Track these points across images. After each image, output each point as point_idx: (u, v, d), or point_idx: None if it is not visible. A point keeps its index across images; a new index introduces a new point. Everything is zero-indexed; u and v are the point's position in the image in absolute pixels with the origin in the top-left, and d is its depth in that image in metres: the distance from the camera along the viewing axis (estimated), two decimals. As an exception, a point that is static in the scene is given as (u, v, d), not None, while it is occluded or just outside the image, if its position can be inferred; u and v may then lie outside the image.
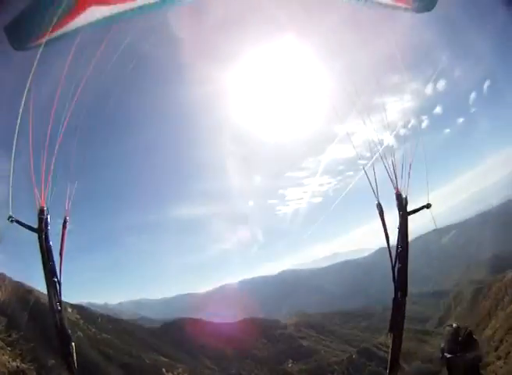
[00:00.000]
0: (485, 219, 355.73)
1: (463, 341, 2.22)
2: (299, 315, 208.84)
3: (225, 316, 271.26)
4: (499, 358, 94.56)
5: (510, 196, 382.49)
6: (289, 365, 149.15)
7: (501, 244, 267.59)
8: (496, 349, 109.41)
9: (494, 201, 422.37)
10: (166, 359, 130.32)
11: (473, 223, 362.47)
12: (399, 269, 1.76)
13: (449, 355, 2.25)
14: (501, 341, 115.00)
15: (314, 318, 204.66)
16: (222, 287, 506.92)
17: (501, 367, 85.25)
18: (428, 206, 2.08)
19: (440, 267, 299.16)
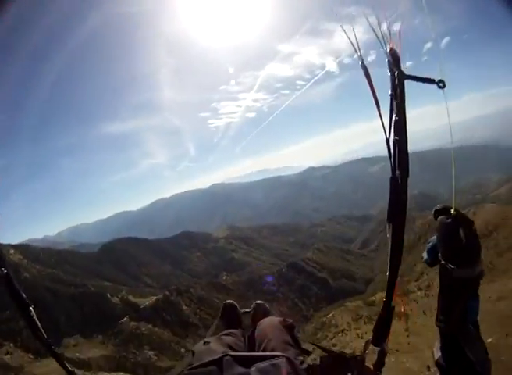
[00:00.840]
0: (415, 159, 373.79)
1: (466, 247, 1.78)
2: (230, 228, 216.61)
3: (160, 231, 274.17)
4: (419, 289, 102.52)
5: (443, 145, 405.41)
6: (224, 277, 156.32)
7: (428, 184, 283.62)
8: (417, 280, 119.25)
9: (427, 144, 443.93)
10: (109, 283, 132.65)
11: (411, 158, 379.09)
12: (396, 152, 1.29)
13: (451, 266, 1.71)
14: (422, 273, 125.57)
15: (244, 231, 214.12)
16: (155, 203, 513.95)
17: (422, 297, 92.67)
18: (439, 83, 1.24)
19: (366, 194, 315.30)
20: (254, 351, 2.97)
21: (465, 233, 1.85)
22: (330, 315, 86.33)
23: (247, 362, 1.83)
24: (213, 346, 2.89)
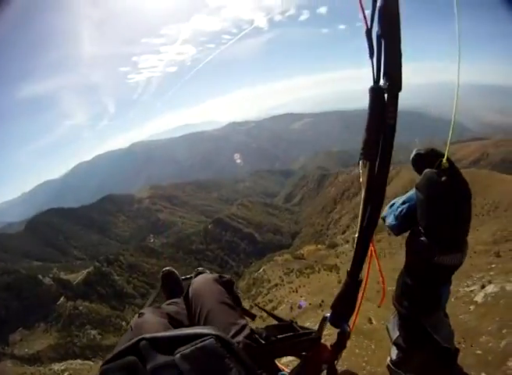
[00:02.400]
0: (338, 117, 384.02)
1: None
2: (153, 187, 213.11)
3: (84, 197, 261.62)
4: (347, 242, 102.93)
5: (365, 106, 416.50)
6: (151, 240, 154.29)
7: (350, 142, 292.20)
8: (343, 233, 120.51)
9: (351, 105, 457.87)
10: (40, 263, 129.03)
11: (330, 118, 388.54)
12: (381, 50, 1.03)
13: (436, 250, 1.19)
14: (348, 227, 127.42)
15: (167, 190, 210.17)
16: (77, 168, 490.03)
17: (350, 250, 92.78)
18: None
19: (288, 149, 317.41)
20: (191, 316, 2.68)
21: (461, 202, 1.22)
22: (261, 270, 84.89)
23: (170, 346, 1.51)
24: (149, 319, 2.71)
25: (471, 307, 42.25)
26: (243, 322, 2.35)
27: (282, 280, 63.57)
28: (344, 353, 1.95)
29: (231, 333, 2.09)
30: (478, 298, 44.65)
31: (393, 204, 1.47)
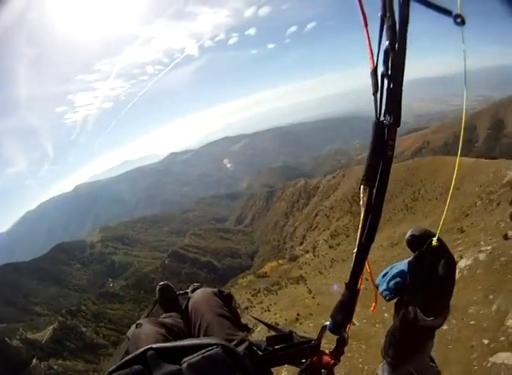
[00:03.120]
0: (275, 134, 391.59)
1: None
2: (103, 230, 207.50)
3: (34, 249, 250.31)
4: (306, 252, 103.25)
5: (302, 119, 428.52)
6: (111, 284, 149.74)
7: (290, 156, 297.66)
8: (301, 244, 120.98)
9: (288, 120, 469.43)
10: (3, 325, 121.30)
11: (265, 136, 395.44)
12: (384, 91, 1.16)
13: (422, 317, 1.48)
14: (304, 237, 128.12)
15: (117, 230, 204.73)
16: (23, 218, 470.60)
17: (312, 259, 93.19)
18: (457, 17, 1.06)
19: (231, 172, 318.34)
20: (190, 330, 2.74)
21: (450, 277, 1.47)
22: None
23: (176, 355, 1.57)
24: (146, 329, 2.77)
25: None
26: (242, 334, 2.47)
27: (252, 302, 63.11)
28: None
29: (233, 344, 2.08)
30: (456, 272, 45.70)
31: (386, 273, 1.67)
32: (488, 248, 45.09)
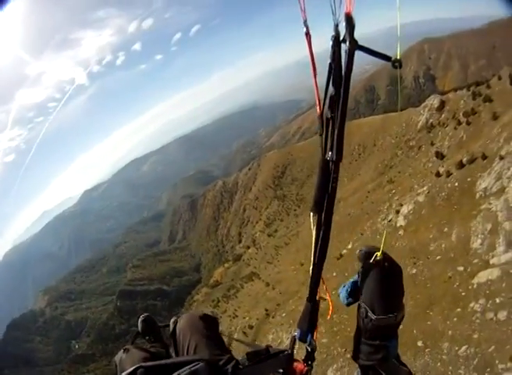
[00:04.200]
0: (180, 144, 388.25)
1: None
2: (45, 292, 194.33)
3: None
4: (248, 248, 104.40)
5: (203, 123, 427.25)
6: (76, 346, 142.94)
7: (200, 161, 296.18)
8: (240, 242, 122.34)
9: (189, 127, 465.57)
10: None
11: (172, 148, 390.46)
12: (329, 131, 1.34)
13: (373, 315, 1.81)
14: (240, 234, 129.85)
15: (60, 287, 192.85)
16: None
17: (256, 253, 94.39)
18: (396, 62, 1.70)
19: (148, 193, 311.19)
20: (177, 351, 2.87)
21: (392, 282, 1.85)
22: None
23: (164, 372, 1.74)
24: (133, 353, 2.92)
25: (400, 232, 45.27)
26: (229, 354, 2.54)
27: (216, 314, 62.31)
28: (332, 336, 2.36)
29: (220, 363, 2.24)
30: (401, 222, 48.07)
31: (345, 285, 2.02)
32: (425, 188, 48.59)
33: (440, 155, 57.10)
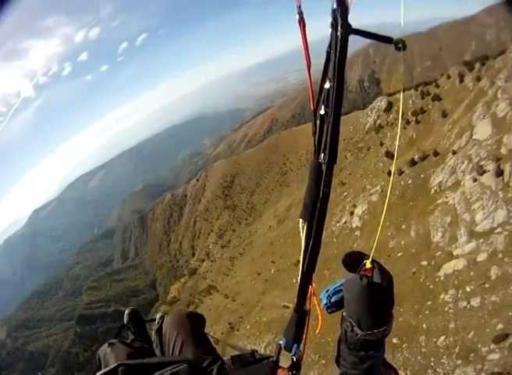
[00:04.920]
0: (128, 157, 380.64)
1: None
2: (3, 322, 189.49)
3: None
4: (202, 261, 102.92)
5: (149, 134, 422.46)
6: None
7: (148, 174, 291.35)
8: (193, 255, 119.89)
9: (135, 139, 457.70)
10: None
11: (120, 161, 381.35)
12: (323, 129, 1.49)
13: (358, 331, 1.70)
14: (193, 248, 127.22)
15: (17, 316, 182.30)
16: None
17: (211, 265, 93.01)
18: (398, 43, 1.61)
19: (97, 210, 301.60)
20: (162, 349, 2.91)
21: (382, 295, 1.65)
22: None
23: (146, 371, 1.72)
24: (118, 348, 2.96)
25: (357, 233, 45.45)
26: (215, 354, 2.65)
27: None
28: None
29: (205, 364, 2.34)
30: (356, 223, 48.41)
31: (328, 290, 1.90)
32: (377, 188, 48.95)
33: (390, 155, 57.93)
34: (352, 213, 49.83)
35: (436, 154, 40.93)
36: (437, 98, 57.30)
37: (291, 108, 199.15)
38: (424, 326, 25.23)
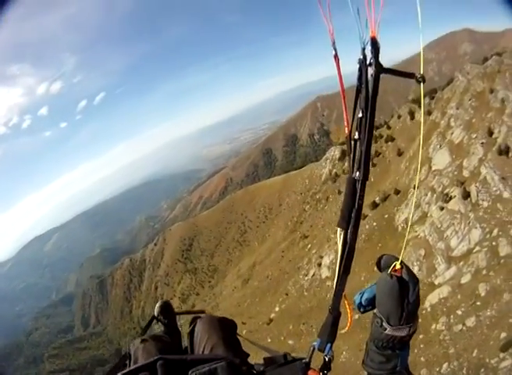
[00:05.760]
0: (84, 219, 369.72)
1: None
2: None
3: None
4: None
5: (106, 196, 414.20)
6: None
7: (105, 238, 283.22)
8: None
9: (92, 201, 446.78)
10: None
11: (75, 224, 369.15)
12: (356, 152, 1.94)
13: (386, 327, 1.89)
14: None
15: None
16: None
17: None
18: (420, 78, 1.86)
19: (54, 274, 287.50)
20: (193, 351, 2.93)
21: (408, 293, 1.85)
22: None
23: (184, 366, 1.76)
24: (149, 345, 2.96)
25: (328, 283, 44.17)
26: (245, 357, 2.71)
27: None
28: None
29: (238, 364, 2.27)
30: (326, 273, 47.25)
31: (363, 292, 2.05)
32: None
33: (350, 200, 58.11)
34: (320, 265, 49.20)
35: (397, 192, 41.48)
36: (390, 138, 59.36)
37: (245, 167, 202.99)
38: (422, 359, 24.83)
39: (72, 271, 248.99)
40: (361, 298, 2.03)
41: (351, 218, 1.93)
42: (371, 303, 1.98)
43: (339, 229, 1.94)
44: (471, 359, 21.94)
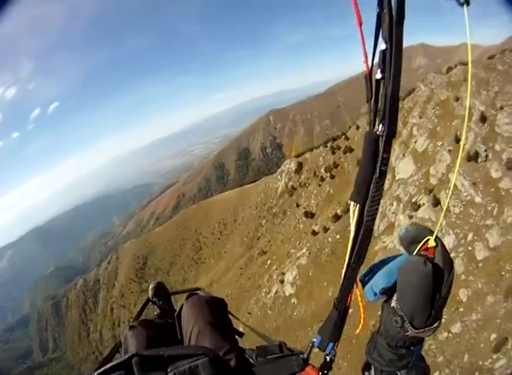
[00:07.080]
0: (37, 236, 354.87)
1: None
2: None
3: None
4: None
5: (57, 212, 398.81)
6: None
7: (58, 255, 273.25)
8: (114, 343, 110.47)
9: (44, 217, 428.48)
10: None
11: (28, 240, 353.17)
12: (379, 97, 1.43)
13: (411, 328, 1.40)
14: (113, 336, 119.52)
15: None
16: None
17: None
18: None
19: (9, 294, 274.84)
20: (182, 336, 2.83)
21: (441, 288, 1.36)
22: None
23: (162, 362, 1.57)
24: (137, 333, 2.86)
25: (293, 300, 43.48)
26: (233, 342, 2.58)
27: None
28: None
29: (221, 353, 2.22)
30: (289, 290, 46.40)
31: (374, 271, 1.55)
32: (304, 250, 47.53)
33: (310, 214, 58.18)
34: (282, 281, 48.43)
35: (359, 203, 41.65)
36: (348, 149, 59.37)
37: (197, 181, 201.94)
38: (409, 372, 24.58)
39: (27, 290, 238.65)
40: (376, 285, 1.51)
41: (369, 189, 1.42)
42: (387, 292, 1.48)
43: (352, 203, 1.44)
44: (463, 365, 22.04)
